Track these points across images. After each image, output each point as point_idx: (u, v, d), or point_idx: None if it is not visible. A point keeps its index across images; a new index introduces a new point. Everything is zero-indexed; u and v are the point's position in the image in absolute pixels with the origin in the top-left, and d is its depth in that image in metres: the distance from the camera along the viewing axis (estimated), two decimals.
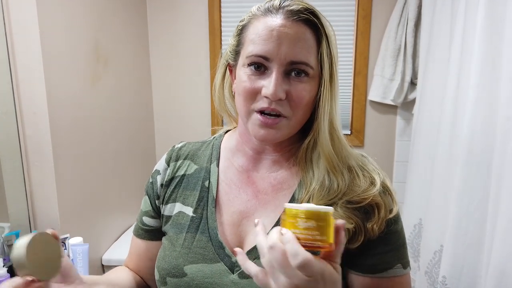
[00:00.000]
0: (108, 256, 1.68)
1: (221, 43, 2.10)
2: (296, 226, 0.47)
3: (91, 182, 1.58)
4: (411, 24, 1.88)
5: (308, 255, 0.46)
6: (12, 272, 1.23)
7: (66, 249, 1.29)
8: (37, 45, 1.24)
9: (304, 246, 0.47)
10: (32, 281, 0.53)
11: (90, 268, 1.33)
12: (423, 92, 1.71)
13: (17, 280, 0.53)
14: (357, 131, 2.11)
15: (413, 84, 1.98)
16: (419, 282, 1.60)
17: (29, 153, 1.30)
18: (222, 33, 2.09)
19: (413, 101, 1.94)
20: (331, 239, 0.48)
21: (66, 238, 1.30)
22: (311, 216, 0.47)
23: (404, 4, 1.90)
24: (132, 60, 1.95)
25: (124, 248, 1.74)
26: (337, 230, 0.48)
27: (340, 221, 0.49)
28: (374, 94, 2.03)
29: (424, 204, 1.62)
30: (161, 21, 2.11)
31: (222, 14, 2.07)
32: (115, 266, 1.73)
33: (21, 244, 0.53)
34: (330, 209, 0.48)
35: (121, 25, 1.81)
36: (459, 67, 1.36)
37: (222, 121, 2.20)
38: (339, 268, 0.50)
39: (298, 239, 0.47)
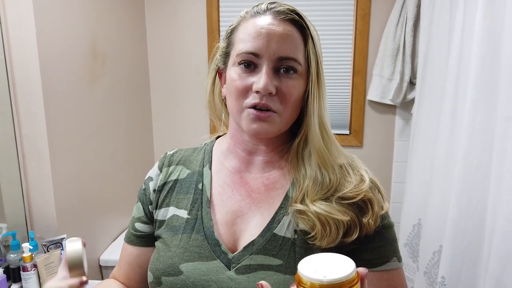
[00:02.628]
0: (106, 256, 1.67)
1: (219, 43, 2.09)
2: None
3: (89, 183, 1.57)
4: (410, 23, 1.88)
5: None
6: (8, 273, 1.22)
7: (63, 249, 1.28)
8: (34, 44, 1.23)
9: None
10: (85, 282, 0.60)
11: (87, 269, 1.32)
12: (422, 92, 1.70)
13: (73, 280, 0.61)
14: (356, 131, 2.10)
15: (412, 83, 1.98)
16: (418, 283, 1.59)
17: (26, 153, 1.30)
18: (221, 33, 2.09)
19: (412, 101, 1.94)
20: None
21: (63, 238, 1.29)
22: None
23: (403, 3, 1.89)
24: (130, 60, 1.94)
25: (121, 249, 1.73)
26: (362, 282, 0.45)
27: (362, 270, 0.45)
28: (373, 94, 2.03)
29: (423, 204, 1.62)
30: (159, 20, 2.10)
31: (221, 14, 2.06)
32: (113, 267, 1.73)
33: (77, 248, 0.62)
34: (352, 270, 0.41)
35: (118, 24, 1.81)
36: (458, 67, 1.36)
37: None
38: None
39: None
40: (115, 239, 1.82)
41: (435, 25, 1.60)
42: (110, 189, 1.75)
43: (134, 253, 0.77)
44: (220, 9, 2.06)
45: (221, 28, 2.08)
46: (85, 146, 1.54)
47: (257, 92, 0.62)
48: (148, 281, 0.70)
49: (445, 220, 1.36)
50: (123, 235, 1.85)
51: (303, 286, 0.41)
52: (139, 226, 0.77)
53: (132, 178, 1.97)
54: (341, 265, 0.42)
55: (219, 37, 2.08)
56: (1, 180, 1.27)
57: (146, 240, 0.76)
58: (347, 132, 2.12)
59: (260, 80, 0.62)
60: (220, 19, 2.07)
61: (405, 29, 1.90)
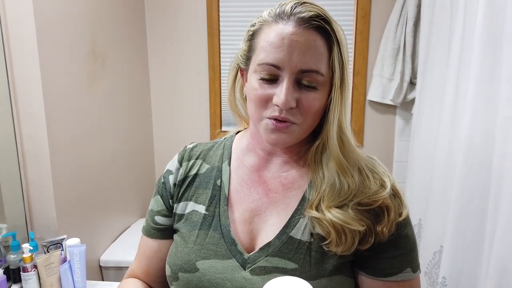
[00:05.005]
0: (106, 257, 1.67)
1: (219, 43, 2.09)
2: None
3: (89, 183, 1.57)
4: (410, 23, 1.88)
5: None
6: (8, 274, 1.22)
7: (63, 250, 1.28)
8: (34, 43, 1.23)
9: None
10: None
11: (87, 269, 1.31)
12: (422, 92, 1.70)
13: None
14: (356, 131, 2.10)
15: (412, 84, 1.98)
16: None
17: (26, 154, 1.29)
18: (221, 33, 2.08)
19: (412, 101, 1.94)
20: None
21: (63, 239, 1.29)
22: None
23: (403, 3, 1.89)
24: (130, 60, 1.94)
25: (122, 249, 1.73)
26: None
27: None
28: (373, 94, 2.03)
29: (423, 204, 1.61)
30: (159, 20, 2.10)
31: (221, 14, 2.06)
32: (113, 267, 1.73)
33: None
34: None
35: (119, 24, 1.81)
36: (458, 67, 1.35)
37: (221, 121, 2.19)
38: None
39: None
40: (115, 240, 1.81)
41: (435, 25, 1.59)
42: (110, 189, 1.75)
43: (155, 246, 0.77)
44: (220, 9, 2.06)
45: (221, 28, 2.08)
46: (85, 146, 1.53)
47: (276, 105, 0.61)
48: (166, 274, 0.71)
49: (446, 220, 1.35)
50: (123, 235, 1.85)
51: None
52: (159, 219, 0.77)
53: (132, 177, 1.97)
54: None
55: (219, 37, 2.08)
56: (1, 180, 1.27)
57: (167, 232, 0.76)
58: None
59: (281, 94, 0.60)
60: (220, 19, 2.06)
61: (405, 29, 1.90)
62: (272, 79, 0.62)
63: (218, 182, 0.72)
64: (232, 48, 0.74)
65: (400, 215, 0.64)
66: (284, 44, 0.60)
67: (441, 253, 1.40)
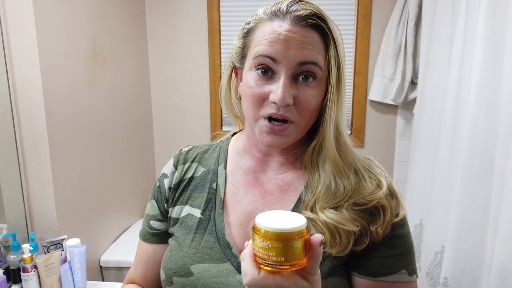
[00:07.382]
0: (106, 257, 1.67)
1: (220, 43, 2.09)
2: (256, 244, 0.47)
3: (89, 183, 1.56)
4: (411, 23, 1.88)
5: (254, 274, 0.46)
6: (8, 274, 1.22)
7: (63, 250, 1.28)
8: (34, 44, 1.23)
9: (262, 264, 0.47)
10: None
11: (88, 270, 1.31)
12: (423, 91, 1.70)
13: None
14: (358, 131, 2.10)
15: (413, 83, 1.97)
16: (420, 284, 1.58)
17: (26, 154, 1.29)
18: (221, 32, 2.08)
19: (414, 100, 1.93)
20: (294, 258, 0.46)
21: (64, 239, 1.28)
22: (268, 236, 0.46)
23: (405, 3, 1.89)
24: (131, 60, 1.93)
25: (122, 249, 1.72)
26: (310, 246, 0.47)
27: (316, 237, 0.47)
28: (375, 93, 2.02)
29: (425, 204, 1.61)
30: (159, 20, 2.10)
31: (221, 14, 2.06)
32: (113, 267, 1.73)
33: None
34: (294, 228, 0.46)
35: (119, 24, 1.80)
36: (460, 66, 1.35)
37: (221, 121, 2.19)
38: (315, 279, 0.48)
39: (256, 256, 0.47)
40: (115, 240, 1.81)
41: (436, 25, 1.59)
42: (110, 189, 1.75)
43: (150, 251, 0.77)
44: (221, 9, 2.05)
45: (222, 28, 2.07)
46: (85, 146, 1.53)
47: (274, 102, 0.60)
48: (161, 279, 0.70)
49: (447, 220, 1.35)
50: (123, 236, 1.85)
51: (258, 234, 0.47)
52: (154, 224, 0.76)
53: (132, 178, 1.97)
54: (293, 220, 0.48)
55: (219, 36, 2.08)
56: (1, 180, 1.27)
57: (162, 237, 0.76)
58: (349, 132, 2.11)
59: (278, 91, 0.58)
60: (221, 19, 2.06)
61: (406, 29, 1.90)
62: (268, 76, 0.61)
63: (214, 185, 0.71)
64: (232, 48, 0.73)
65: (396, 215, 0.63)
66: (280, 39, 0.59)
67: (443, 253, 1.39)
